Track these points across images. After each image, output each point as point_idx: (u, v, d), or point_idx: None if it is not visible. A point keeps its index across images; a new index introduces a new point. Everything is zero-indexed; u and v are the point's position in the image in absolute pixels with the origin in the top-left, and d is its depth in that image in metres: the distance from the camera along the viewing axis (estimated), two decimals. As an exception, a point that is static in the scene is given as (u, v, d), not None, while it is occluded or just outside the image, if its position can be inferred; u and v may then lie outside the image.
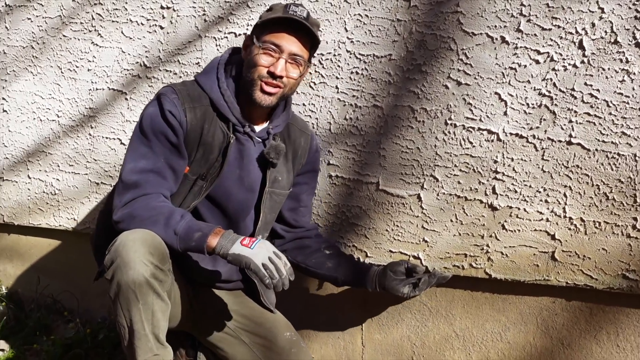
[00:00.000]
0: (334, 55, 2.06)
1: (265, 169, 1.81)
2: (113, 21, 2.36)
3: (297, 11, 1.68)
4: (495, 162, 1.93)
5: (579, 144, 1.85)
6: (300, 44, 1.70)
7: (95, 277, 1.86)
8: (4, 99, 2.60)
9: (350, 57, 2.04)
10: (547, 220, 1.90)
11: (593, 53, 1.80)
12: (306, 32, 1.70)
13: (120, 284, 1.50)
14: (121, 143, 2.40)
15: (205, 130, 1.72)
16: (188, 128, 1.69)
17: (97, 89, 2.43)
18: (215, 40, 2.20)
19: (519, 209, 1.93)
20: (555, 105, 1.85)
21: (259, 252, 1.54)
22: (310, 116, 2.11)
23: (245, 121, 1.76)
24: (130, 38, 2.34)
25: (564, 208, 1.88)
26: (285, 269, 1.55)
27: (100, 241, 1.82)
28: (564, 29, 1.82)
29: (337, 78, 2.07)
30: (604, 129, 1.82)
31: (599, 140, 1.83)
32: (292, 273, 1.56)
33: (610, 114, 1.81)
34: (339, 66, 2.06)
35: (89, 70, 2.43)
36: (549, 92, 1.86)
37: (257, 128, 1.80)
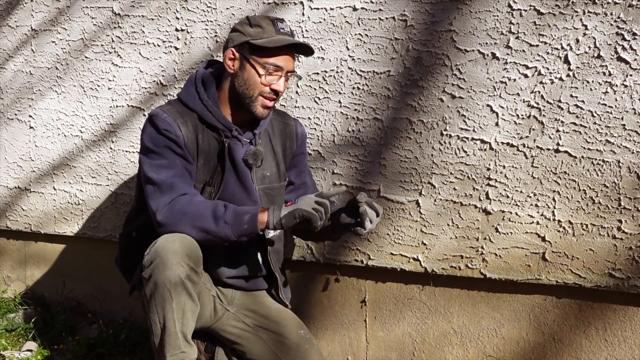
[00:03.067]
0: (337, 72, 2.06)
1: (251, 169, 1.81)
2: (131, 43, 2.37)
3: (284, 28, 1.69)
4: (488, 169, 1.93)
5: (566, 151, 1.84)
6: (294, 61, 1.73)
7: (130, 291, 1.85)
8: (30, 116, 2.60)
9: (352, 74, 2.05)
10: (538, 223, 1.90)
11: (578, 67, 1.80)
12: (301, 50, 1.74)
13: (157, 282, 1.51)
14: (140, 156, 2.41)
15: (200, 140, 1.73)
16: (185, 141, 1.70)
17: (117, 106, 2.43)
18: (226, 59, 2.21)
19: (511, 213, 1.92)
20: (544, 115, 1.85)
21: (304, 202, 1.59)
22: (315, 129, 2.11)
23: (232, 125, 1.75)
24: (148, 58, 2.35)
25: (553, 212, 1.88)
26: (331, 209, 1.63)
27: (126, 262, 1.83)
28: (550, 45, 1.82)
29: (340, 93, 2.07)
30: (589, 137, 1.81)
31: (584, 148, 1.82)
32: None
33: (594, 123, 1.80)
34: (341, 82, 2.06)
35: (109, 88, 2.43)
36: (537, 103, 1.85)
37: (244, 130, 1.80)
